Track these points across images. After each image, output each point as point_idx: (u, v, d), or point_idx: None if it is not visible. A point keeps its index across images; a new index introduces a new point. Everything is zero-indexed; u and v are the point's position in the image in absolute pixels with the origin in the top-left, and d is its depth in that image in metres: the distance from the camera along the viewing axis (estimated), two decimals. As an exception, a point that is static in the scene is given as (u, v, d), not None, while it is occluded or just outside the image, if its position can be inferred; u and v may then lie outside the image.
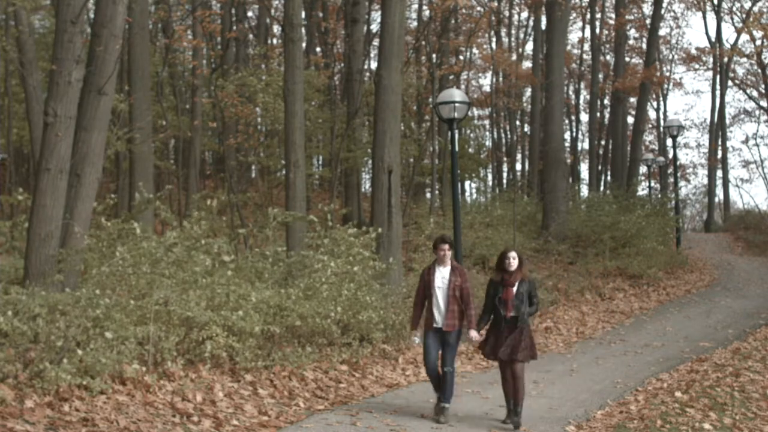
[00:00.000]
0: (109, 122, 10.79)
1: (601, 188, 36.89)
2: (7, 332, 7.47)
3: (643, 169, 36.72)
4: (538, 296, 8.22)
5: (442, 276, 8.18)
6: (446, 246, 8.23)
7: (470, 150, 33.91)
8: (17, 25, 17.09)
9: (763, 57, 38.42)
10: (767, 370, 10.66)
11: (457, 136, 13.47)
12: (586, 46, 38.72)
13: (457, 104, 12.95)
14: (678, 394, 9.17)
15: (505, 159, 40.22)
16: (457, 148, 13.56)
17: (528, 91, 37.27)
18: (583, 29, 39.40)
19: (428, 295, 8.21)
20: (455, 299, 8.06)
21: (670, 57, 43.82)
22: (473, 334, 8.12)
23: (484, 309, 8.19)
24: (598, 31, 35.64)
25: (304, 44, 20.11)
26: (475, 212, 24.03)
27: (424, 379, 9.85)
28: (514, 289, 7.98)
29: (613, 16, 34.76)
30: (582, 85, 42.08)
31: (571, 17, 33.58)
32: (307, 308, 10.14)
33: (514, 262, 8.08)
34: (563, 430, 7.86)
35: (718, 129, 40.49)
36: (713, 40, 39.24)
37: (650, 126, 44.71)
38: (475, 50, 34.74)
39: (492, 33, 35.98)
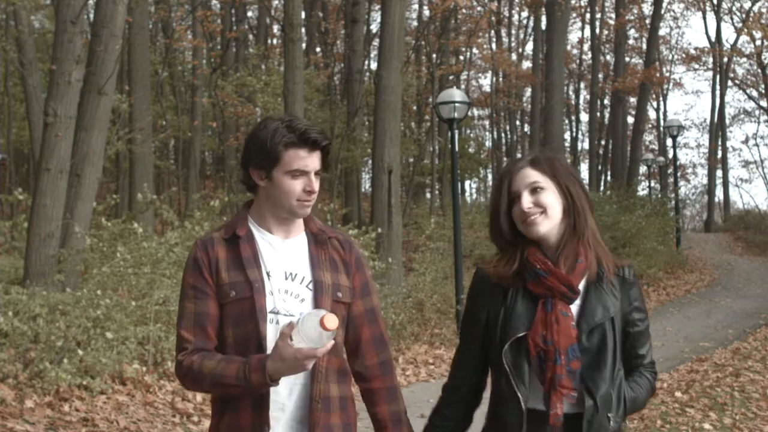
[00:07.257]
0: (109, 122, 10.81)
1: (601, 188, 36.88)
2: (7, 332, 7.48)
3: (643, 169, 36.72)
4: (649, 337, 2.44)
5: (287, 269, 2.45)
6: (314, 159, 2.37)
7: (470, 150, 33.91)
8: (17, 25, 17.11)
9: (763, 57, 38.44)
10: (767, 370, 10.65)
11: (457, 136, 13.46)
12: (586, 46, 38.73)
13: (457, 104, 12.93)
14: (678, 394, 9.16)
15: (505, 159, 40.20)
16: (457, 148, 13.55)
17: (528, 91, 37.27)
18: (582, 29, 39.42)
19: (243, 333, 2.43)
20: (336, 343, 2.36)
21: (670, 57, 43.83)
22: None
23: (454, 373, 2.54)
24: (598, 31, 35.64)
25: (304, 44, 20.10)
26: (475, 212, 23.99)
27: (423, 380, 9.84)
28: (574, 310, 2.30)
29: (613, 16, 34.77)
30: (582, 85, 42.07)
31: (571, 17, 33.55)
32: (306, 308, 10.11)
33: (548, 203, 2.45)
34: (563, 430, 7.84)
35: (717, 129, 40.50)
36: (713, 40, 39.26)
37: (650, 126, 44.70)
38: (475, 50, 34.77)
39: (492, 33, 35.99)
